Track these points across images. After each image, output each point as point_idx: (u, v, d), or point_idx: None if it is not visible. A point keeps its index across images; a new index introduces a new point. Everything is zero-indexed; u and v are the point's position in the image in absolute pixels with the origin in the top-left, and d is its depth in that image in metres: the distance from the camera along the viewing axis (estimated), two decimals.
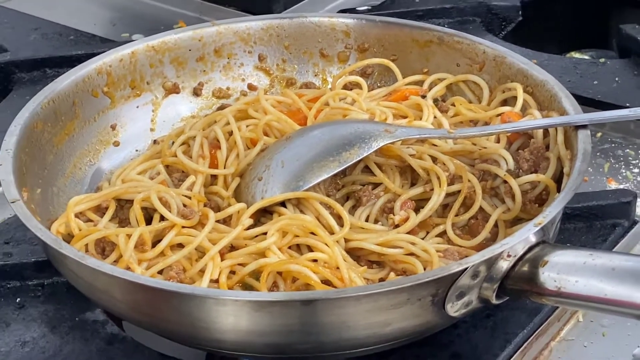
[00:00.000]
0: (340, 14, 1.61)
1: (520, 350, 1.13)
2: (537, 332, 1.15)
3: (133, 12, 1.92)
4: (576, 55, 1.82)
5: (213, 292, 1.02)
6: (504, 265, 1.02)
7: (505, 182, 1.19)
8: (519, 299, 1.06)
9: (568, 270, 0.99)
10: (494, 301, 1.04)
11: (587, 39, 1.89)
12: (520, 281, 1.02)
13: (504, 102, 1.32)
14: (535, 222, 1.04)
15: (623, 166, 1.42)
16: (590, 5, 1.89)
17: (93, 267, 1.02)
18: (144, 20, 1.88)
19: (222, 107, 1.40)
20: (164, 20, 1.85)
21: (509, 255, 1.02)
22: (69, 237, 1.15)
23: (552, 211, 1.05)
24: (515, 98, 1.30)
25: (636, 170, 1.42)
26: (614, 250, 1.23)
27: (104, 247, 1.15)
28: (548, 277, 1.00)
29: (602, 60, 1.61)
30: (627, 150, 1.45)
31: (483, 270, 1.01)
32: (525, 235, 1.03)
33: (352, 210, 1.21)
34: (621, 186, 1.38)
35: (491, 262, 1.01)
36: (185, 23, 1.81)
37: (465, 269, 0.99)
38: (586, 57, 1.80)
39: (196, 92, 1.42)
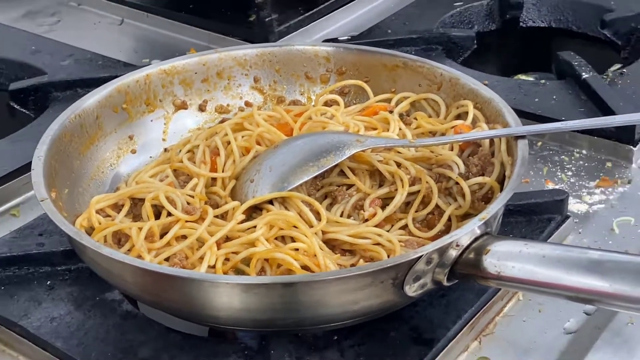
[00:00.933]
0: (322, 43, 1.60)
1: (469, 324, 1.12)
2: (483, 309, 1.14)
3: (152, 41, 1.91)
4: (522, 77, 1.82)
5: (209, 277, 1.01)
6: (454, 253, 1.01)
7: (457, 183, 1.18)
8: (467, 281, 1.04)
9: (506, 257, 0.99)
10: (446, 283, 1.04)
11: (532, 63, 1.88)
12: (467, 266, 1.02)
13: (458, 117, 1.30)
14: (480, 217, 1.03)
15: (559, 170, 1.41)
16: (535, 36, 1.88)
17: (108, 255, 1.01)
18: (162, 48, 1.87)
19: (222, 121, 1.39)
20: (178, 48, 1.84)
21: (457, 245, 1.01)
22: (91, 230, 1.15)
23: (494, 207, 1.05)
24: (467, 113, 1.29)
25: (569, 173, 1.41)
26: (549, 240, 1.22)
27: (120, 238, 1.14)
28: (490, 263, 0.99)
29: (543, 81, 1.61)
30: (563, 156, 1.44)
31: (436, 258, 1.01)
32: (471, 228, 1.02)
33: (329, 207, 1.20)
34: (557, 187, 1.37)
35: (442, 251, 1.01)
36: (196, 50, 1.79)
37: (420, 256, 0.99)
38: (530, 79, 1.79)
39: (201, 108, 1.41)
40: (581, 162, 1.42)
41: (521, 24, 1.87)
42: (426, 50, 1.70)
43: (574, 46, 1.73)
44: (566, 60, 1.58)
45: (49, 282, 1.20)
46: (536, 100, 1.52)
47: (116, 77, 1.38)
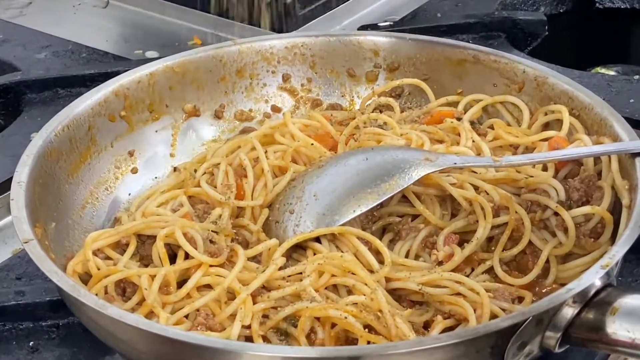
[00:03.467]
0: (368, 31, 1.47)
1: None
2: None
3: (145, 27, 1.79)
4: (602, 70, 1.70)
5: (249, 347, 0.88)
6: (569, 312, 0.90)
7: (556, 214, 1.05)
8: (583, 347, 0.92)
9: None
10: (557, 350, 0.92)
11: (611, 53, 1.77)
12: (586, 330, 0.90)
13: (546, 126, 1.19)
14: (602, 263, 0.91)
15: None
16: (614, 18, 1.78)
17: (115, 317, 0.89)
18: (157, 36, 1.74)
19: (244, 131, 1.28)
20: (178, 36, 1.72)
21: (574, 302, 0.89)
22: (86, 276, 1.03)
23: (620, 250, 0.93)
24: (557, 121, 1.17)
25: None
26: None
27: (125, 288, 1.02)
28: (620, 326, 0.88)
29: (637, 77, 1.48)
30: None
31: (546, 319, 0.89)
32: (592, 280, 0.90)
33: (390, 245, 1.08)
34: None
35: (555, 310, 0.88)
36: (200, 39, 1.69)
37: (528, 318, 0.87)
38: (611, 73, 1.68)
39: (217, 115, 1.30)
40: None
41: (597, 4, 1.79)
42: (486, 38, 1.59)
43: None
44: None
45: (31, 342, 1.07)
46: (631, 101, 1.40)
47: (107, 74, 1.29)
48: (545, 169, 1.12)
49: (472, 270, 1.06)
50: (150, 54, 1.65)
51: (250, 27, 1.71)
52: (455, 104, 1.26)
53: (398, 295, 1.02)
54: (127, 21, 1.82)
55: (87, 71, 1.50)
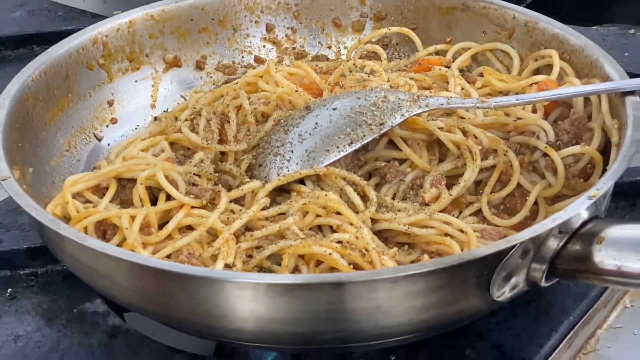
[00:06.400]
0: None
1: (566, 339, 1.04)
2: (583, 319, 1.06)
3: None
4: (600, 29, 1.73)
5: (233, 275, 0.92)
6: (555, 243, 0.93)
7: (545, 155, 1.10)
8: (570, 279, 0.96)
9: (630, 247, 0.90)
10: (543, 283, 0.95)
11: (608, 12, 1.80)
12: (572, 260, 0.94)
13: (536, 72, 1.23)
14: (588, 194, 0.95)
15: None
16: None
17: (96, 249, 0.92)
18: None
19: (227, 82, 1.31)
20: None
21: (560, 232, 0.93)
22: (65, 220, 1.06)
23: (607, 182, 0.97)
24: (548, 66, 1.22)
25: None
26: None
27: (105, 230, 1.06)
28: (606, 255, 0.91)
29: (632, 31, 1.53)
30: None
31: (532, 249, 0.93)
32: (578, 210, 0.94)
33: (377, 189, 1.12)
34: None
35: (541, 240, 0.92)
36: None
37: (514, 246, 0.91)
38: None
39: (199, 66, 1.34)
40: None
41: None
42: None
43: None
44: None
45: (9, 290, 1.12)
46: (626, 54, 1.45)
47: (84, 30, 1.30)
48: (534, 111, 1.16)
49: (460, 213, 1.10)
50: None
51: None
52: (444, 53, 1.30)
53: (384, 238, 1.06)
54: None
55: (64, 27, 1.54)
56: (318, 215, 1.04)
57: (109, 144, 1.25)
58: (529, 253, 0.93)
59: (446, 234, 1.04)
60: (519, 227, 1.07)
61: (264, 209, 1.06)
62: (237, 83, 1.24)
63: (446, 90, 1.21)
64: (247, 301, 0.90)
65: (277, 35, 1.36)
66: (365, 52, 1.32)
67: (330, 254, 0.98)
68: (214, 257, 1.01)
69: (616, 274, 0.91)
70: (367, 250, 1.00)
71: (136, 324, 1.08)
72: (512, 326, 1.04)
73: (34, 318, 1.08)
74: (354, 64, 1.25)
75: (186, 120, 1.20)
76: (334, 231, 1.04)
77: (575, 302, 1.06)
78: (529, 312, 1.06)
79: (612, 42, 1.48)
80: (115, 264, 0.93)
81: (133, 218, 1.03)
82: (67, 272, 1.10)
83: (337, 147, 1.10)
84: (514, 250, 0.91)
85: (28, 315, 1.08)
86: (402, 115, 1.11)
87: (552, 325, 1.04)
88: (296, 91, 1.21)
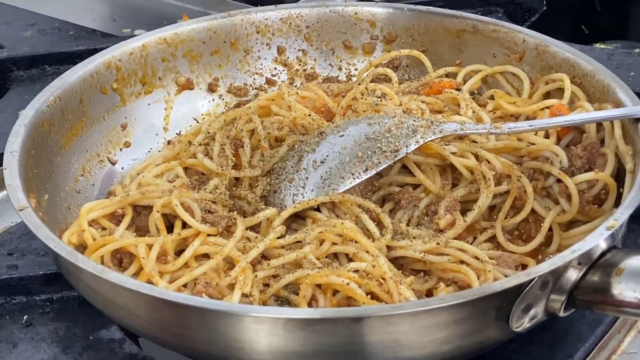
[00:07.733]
0: (365, 2, 1.48)
1: None
2: (598, 345, 1.03)
3: (133, 6, 1.80)
4: (601, 46, 1.71)
5: (252, 309, 0.89)
6: (574, 274, 0.91)
7: (559, 181, 1.07)
8: (588, 309, 0.94)
9: None
10: (562, 313, 0.93)
11: (605, 31, 1.78)
12: (591, 292, 0.92)
13: (547, 95, 1.21)
14: (607, 225, 0.93)
15: None
16: None
17: (114, 282, 0.90)
18: (146, 14, 1.75)
19: (239, 105, 1.29)
20: (167, 15, 1.73)
21: (579, 263, 0.91)
22: (81, 248, 1.03)
23: (625, 212, 0.94)
24: (558, 90, 1.19)
25: None
26: None
27: (121, 259, 1.03)
28: (626, 286, 0.89)
29: (637, 50, 1.50)
30: None
31: (552, 281, 0.90)
32: (597, 241, 0.91)
33: (391, 214, 1.09)
34: None
35: (560, 272, 0.90)
36: (189, 18, 1.69)
37: (534, 279, 0.88)
38: (612, 48, 1.69)
39: (211, 88, 1.31)
40: None
41: None
42: (483, 13, 1.61)
43: None
44: None
45: (25, 316, 1.08)
46: (632, 74, 1.42)
47: (95, 50, 1.28)
48: (547, 136, 1.13)
49: (474, 239, 1.07)
50: (139, 32, 1.65)
51: (240, 4, 1.72)
52: (454, 75, 1.27)
53: (400, 265, 1.04)
54: (114, 0, 1.82)
55: (75, 48, 1.51)
56: (334, 243, 1.02)
57: (122, 168, 1.23)
58: (548, 285, 0.90)
59: (462, 261, 1.01)
60: (534, 254, 1.05)
61: (280, 237, 1.03)
62: (249, 107, 1.21)
63: (457, 114, 1.19)
64: (266, 335, 0.88)
65: (288, 57, 1.34)
66: (376, 75, 1.29)
67: (347, 283, 0.95)
68: (231, 287, 0.99)
69: (635, 306, 0.89)
70: (384, 279, 0.97)
71: (152, 352, 1.05)
72: (529, 353, 1.01)
73: (49, 345, 1.05)
74: (366, 88, 1.22)
75: (200, 145, 1.18)
76: (350, 259, 1.02)
77: (590, 329, 1.03)
78: (545, 339, 1.02)
79: (618, 62, 1.45)
80: (133, 296, 0.90)
81: (150, 247, 1.01)
82: (82, 298, 1.07)
83: (352, 173, 1.07)
84: (533, 282, 0.88)
85: (44, 343, 1.05)
86: (417, 142, 1.08)
87: (568, 352, 1.01)
88: (309, 115, 1.18)
